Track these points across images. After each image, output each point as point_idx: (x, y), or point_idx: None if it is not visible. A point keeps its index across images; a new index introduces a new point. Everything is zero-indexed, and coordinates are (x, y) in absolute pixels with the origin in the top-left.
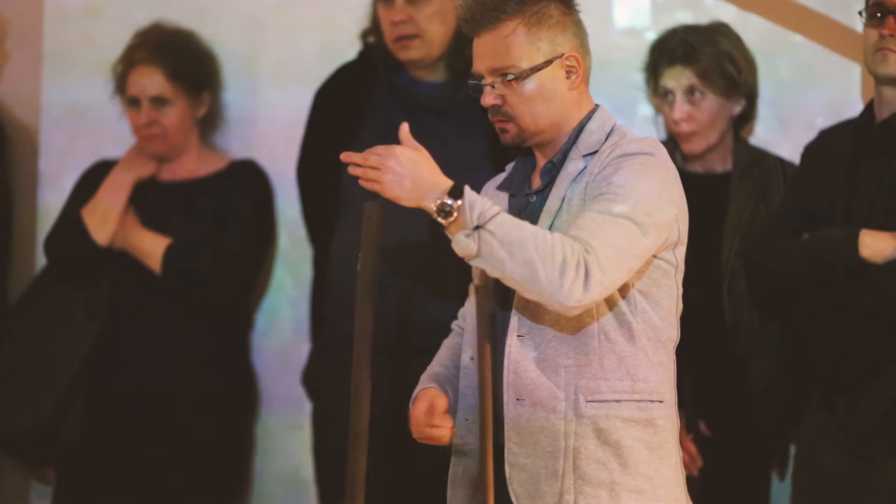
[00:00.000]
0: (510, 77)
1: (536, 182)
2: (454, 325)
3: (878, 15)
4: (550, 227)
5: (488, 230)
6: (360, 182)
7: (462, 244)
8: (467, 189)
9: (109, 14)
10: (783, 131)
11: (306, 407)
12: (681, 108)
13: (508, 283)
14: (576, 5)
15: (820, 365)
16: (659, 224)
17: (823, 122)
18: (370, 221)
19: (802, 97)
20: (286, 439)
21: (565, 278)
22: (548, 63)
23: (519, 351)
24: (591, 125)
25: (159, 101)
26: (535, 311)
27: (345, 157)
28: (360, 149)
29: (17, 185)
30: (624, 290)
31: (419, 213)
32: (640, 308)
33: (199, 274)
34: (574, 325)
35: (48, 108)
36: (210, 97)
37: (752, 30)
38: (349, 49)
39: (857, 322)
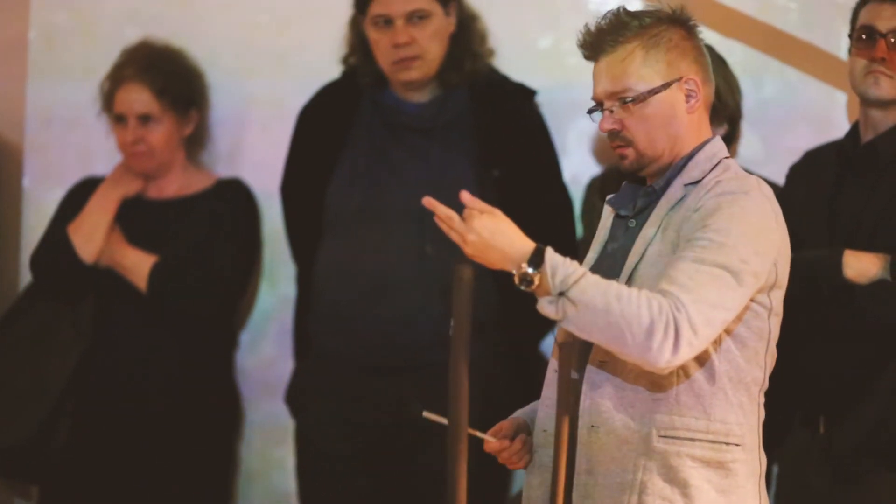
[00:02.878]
0: (627, 100)
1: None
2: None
3: (865, 37)
4: (643, 254)
5: (570, 299)
6: (444, 229)
7: (547, 310)
8: (549, 253)
9: (96, 31)
10: (767, 153)
11: (290, 425)
12: None
13: (596, 342)
14: (698, 32)
15: (803, 384)
16: (756, 271)
17: (807, 143)
18: (462, 283)
19: (786, 119)
20: (269, 457)
21: (653, 341)
22: (666, 86)
23: (597, 379)
24: (700, 156)
25: (146, 119)
26: None
27: (428, 203)
28: (343, 166)
29: (1, 202)
30: None
31: (409, 230)
32: (724, 347)
33: (186, 292)
34: None
35: (33, 124)
36: (197, 115)
37: (737, 52)
38: (336, 68)
39: (840, 341)
